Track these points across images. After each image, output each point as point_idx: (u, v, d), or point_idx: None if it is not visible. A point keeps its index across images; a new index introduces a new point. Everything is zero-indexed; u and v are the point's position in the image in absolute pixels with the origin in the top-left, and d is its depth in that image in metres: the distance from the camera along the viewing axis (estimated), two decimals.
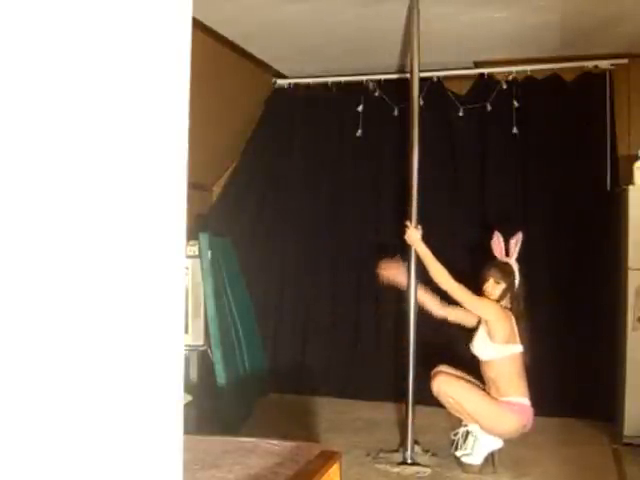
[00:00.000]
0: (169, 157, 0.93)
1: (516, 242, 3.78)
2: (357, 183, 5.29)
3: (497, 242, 3.83)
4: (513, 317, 3.68)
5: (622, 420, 4.02)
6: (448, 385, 3.67)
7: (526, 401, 3.62)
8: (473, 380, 3.78)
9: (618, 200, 4.31)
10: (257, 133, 5.51)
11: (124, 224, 0.85)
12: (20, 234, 0.71)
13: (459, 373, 3.79)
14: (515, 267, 3.76)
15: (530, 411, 3.62)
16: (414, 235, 3.81)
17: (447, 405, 3.72)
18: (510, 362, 3.62)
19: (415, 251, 3.81)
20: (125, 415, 0.85)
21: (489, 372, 3.67)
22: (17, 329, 0.71)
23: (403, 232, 3.87)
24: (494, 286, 3.72)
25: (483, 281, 3.76)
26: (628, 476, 3.57)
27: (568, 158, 4.77)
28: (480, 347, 3.69)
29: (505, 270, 3.74)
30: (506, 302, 3.75)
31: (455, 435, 3.78)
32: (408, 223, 3.86)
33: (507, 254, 3.79)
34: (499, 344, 3.61)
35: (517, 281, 3.75)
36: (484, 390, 3.71)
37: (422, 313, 3.90)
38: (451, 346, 4.12)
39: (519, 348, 3.63)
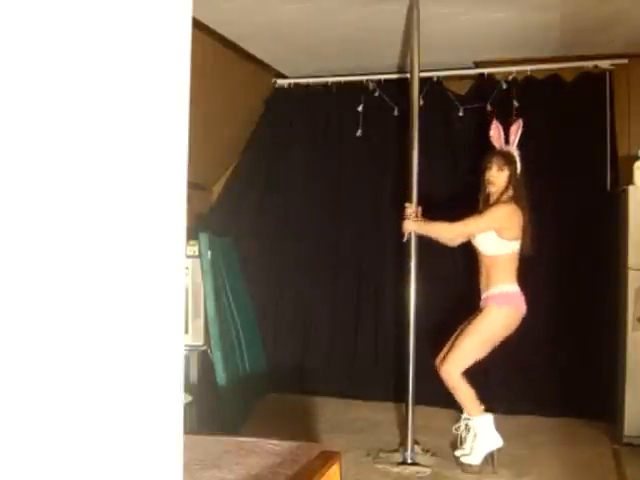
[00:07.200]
0: (169, 157, 0.93)
1: (517, 129, 3.74)
2: (357, 183, 5.29)
3: (497, 131, 3.79)
4: (520, 211, 3.66)
5: (622, 420, 4.02)
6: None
7: (515, 287, 3.68)
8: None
9: (618, 200, 4.31)
10: (257, 133, 5.51)
11: (124, 224, 0.85)
12: (20, 234, 0.71)
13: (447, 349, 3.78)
14: (517, 154, 3.72)
15: (519, 296, 3.67)
16: (409, 226, 3.83)
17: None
18: (511, 256, 3.67)
19: (421, 235, 3.85)
20: (125, 415, 0.85)
21: (488, 262, 3.71)
22: (16, 328, 0.71)
23: (402, 218, 3.91)
24: (498, 174, 3.70)
25: (484, 170, 3.73)
26: (628, 476, 3.56)
27: (568, 158, 4.77)
28: (487, 243, 3.70)
29: (507, 157, 3.71)
30: (508, 195, 3.70)
31: (457, 429, 3.77)
32: (407, 205, 3.89)
33: (507, 142, 3.76)
34: (507, 240, 3.64)
35: (519, 169, 3.71)
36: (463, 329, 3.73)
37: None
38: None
39: (518, 245, 3.67)
